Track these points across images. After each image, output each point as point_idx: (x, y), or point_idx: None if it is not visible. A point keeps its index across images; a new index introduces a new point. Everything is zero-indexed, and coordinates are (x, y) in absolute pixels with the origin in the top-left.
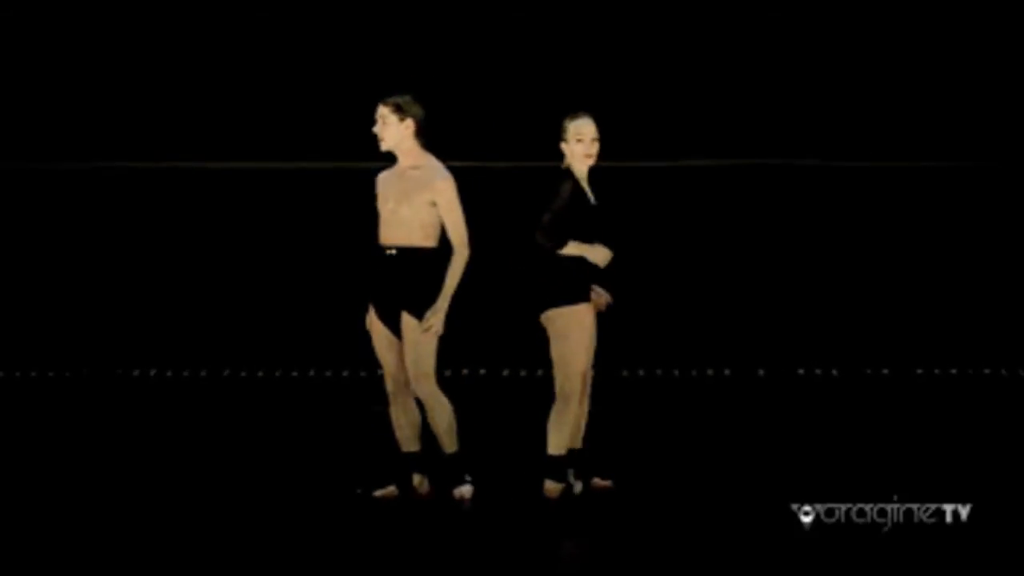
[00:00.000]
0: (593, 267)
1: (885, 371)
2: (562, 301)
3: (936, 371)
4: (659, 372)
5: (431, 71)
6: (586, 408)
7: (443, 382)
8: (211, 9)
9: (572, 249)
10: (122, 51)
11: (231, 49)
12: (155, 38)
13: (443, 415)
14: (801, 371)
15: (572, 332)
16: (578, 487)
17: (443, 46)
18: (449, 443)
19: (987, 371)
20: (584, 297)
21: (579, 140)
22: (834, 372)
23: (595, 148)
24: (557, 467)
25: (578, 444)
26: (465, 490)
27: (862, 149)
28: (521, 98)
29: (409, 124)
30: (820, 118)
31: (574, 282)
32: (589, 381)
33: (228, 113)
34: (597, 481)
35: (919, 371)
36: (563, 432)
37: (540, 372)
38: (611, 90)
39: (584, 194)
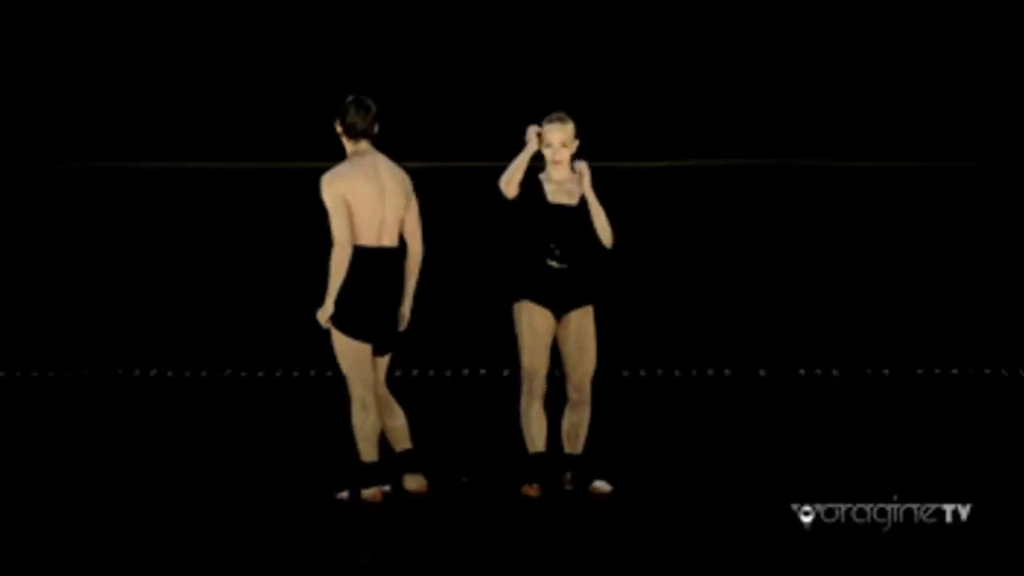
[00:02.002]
0: (545, 264)
1: (885, 371)
2: (510, 298)
3: (936, 371)
4: (659, 372)
5: (435, 71)
6: (583, 415)
7: (444, 382)
8: (210, 9)
9: (516, 170)
10: (122, 51)
11: (230, 49)
12: (155, 38)
13: (355, 421)
14: (802, 371)
15: (517, 329)
16: (561, 487)
17: (447, 46)
18: (361, 451)
19: (987, 371)
20: (523, 295)
21: (547, 146)
22: (834, 372)
23: (562, 155)
24: (531, 467)
25: (576, 449)
26: (344, 495)
27: (862, 149)
28: (522, 98)
29: (338, 126)
30: (820, 118)
31: (516, 280)
32: (582, 386)
33: (228, 113)
34: (596, 486)
35: (919, 371)
36: (529, 430)
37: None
38: (611, 90)
39: (540, 192)
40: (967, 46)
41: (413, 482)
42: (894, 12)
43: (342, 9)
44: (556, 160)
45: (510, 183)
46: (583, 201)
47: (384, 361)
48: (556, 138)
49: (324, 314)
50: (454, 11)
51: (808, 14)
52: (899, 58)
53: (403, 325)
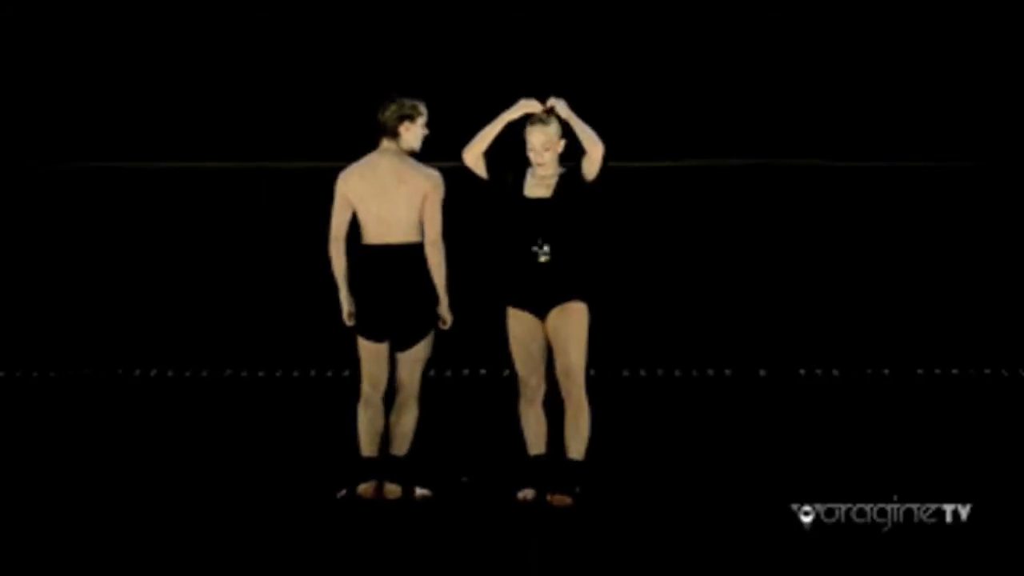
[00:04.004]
0: (524, 267)
1: (885, 371)
2: (498, 301)
3: (936, 371)
4: (659, 372)
5: (435, 70)
6: (574, 414)
7: (444, 382)
8: (211, 9)
9: (480, 140)
10: (122, 51)
11: (230, 49)
12: (155, 38)
13: (358, 415)
14: (802, 371)
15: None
16: (529, 494)
17: (446, 46)
18: (360, 444)
19: (987, 371)
20: (507, 300)
21: (530, 149)
22: (834, 372)
23: (544, 158)
24: (529, 470)
25: (572, 455)
26: (343, 492)
27: (862, 149)
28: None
29: None
30: (820, 118)
31: (500, 282)
32: (562, 381)
33: (228, 113)
34: (556, 496)
35: (919, 371)
36: (527, 433)
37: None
38: (612, 90)
39: (520, 188)
40: (967, 46)
41: (388, 489)
42: (893, 12)
43: (341, 9)
44: (538, 163)
45: (469, 151)
46: (559, 193)
47: (406, 357)
48: (537, 140)
49: (344, 313)
50: (447, 9)
51: (807, 14)
52: (898, 58)
53: (445, 325)
